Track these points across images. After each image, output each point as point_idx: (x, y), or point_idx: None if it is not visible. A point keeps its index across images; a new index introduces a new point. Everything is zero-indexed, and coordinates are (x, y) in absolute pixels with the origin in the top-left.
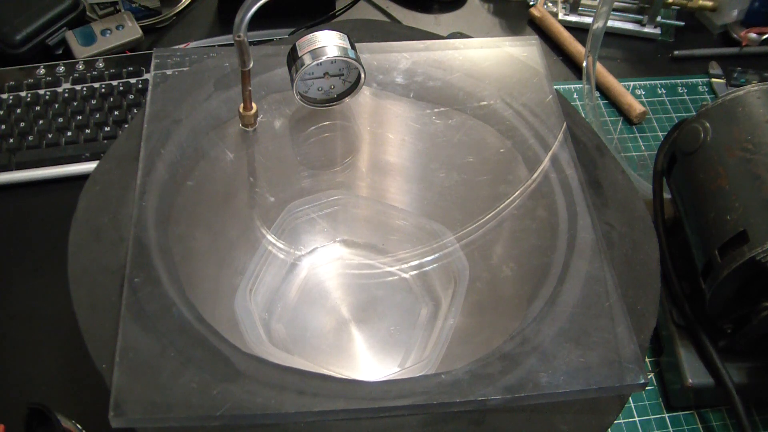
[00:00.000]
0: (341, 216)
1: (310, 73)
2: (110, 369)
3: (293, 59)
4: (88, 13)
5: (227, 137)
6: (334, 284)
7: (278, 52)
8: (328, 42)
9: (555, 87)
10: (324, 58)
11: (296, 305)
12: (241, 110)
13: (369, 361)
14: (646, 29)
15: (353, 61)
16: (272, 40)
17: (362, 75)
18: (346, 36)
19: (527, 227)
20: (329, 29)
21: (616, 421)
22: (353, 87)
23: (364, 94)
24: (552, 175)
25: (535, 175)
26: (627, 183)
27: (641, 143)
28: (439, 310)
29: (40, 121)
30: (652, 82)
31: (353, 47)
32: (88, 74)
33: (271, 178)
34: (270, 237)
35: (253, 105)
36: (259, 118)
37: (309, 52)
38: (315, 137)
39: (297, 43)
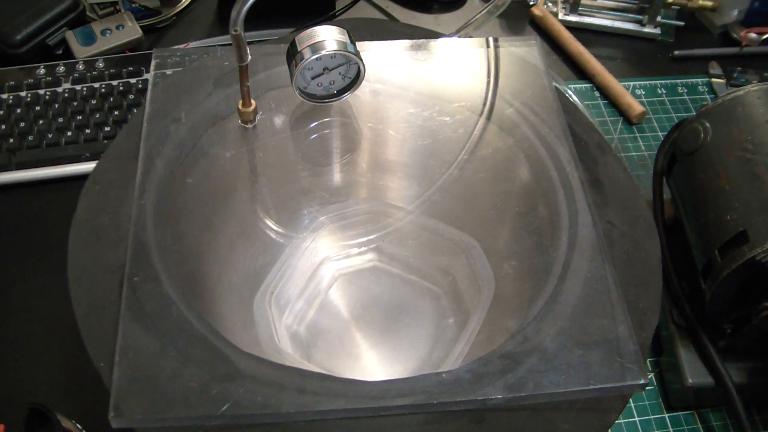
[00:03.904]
0: (372, 224)
1: (310, 68)
2: (108, 368)
3: (293, 54)
4: (88, 13)
5: (226, 135)
6: (360, 293)
7: (278, 51)
8: (328, 36)
9: (555, 86)
10: (323, 52)
11: (319, 311)
12: (240, 107)
13: (388, 374)
14: (646, 29)
15: (353, 56)
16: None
17: (362, 70)
18: (345, 31)
19: (528, 225)
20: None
21: (616, 421)
22: (353, 83)
23: (365, 92)
24: (553, 173)
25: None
26: (628, 181)
27: (641, 143)
28: (466, 322)
29: (40, 121)
30: (652, 82)
31: (353, 42)
32: (88, 74)
33: (270, 176)
34: (277, 232)
35: (252, 102)
36: (258, 115)
37: (308, 46)
38: (315, 134)
39: (296, 38)
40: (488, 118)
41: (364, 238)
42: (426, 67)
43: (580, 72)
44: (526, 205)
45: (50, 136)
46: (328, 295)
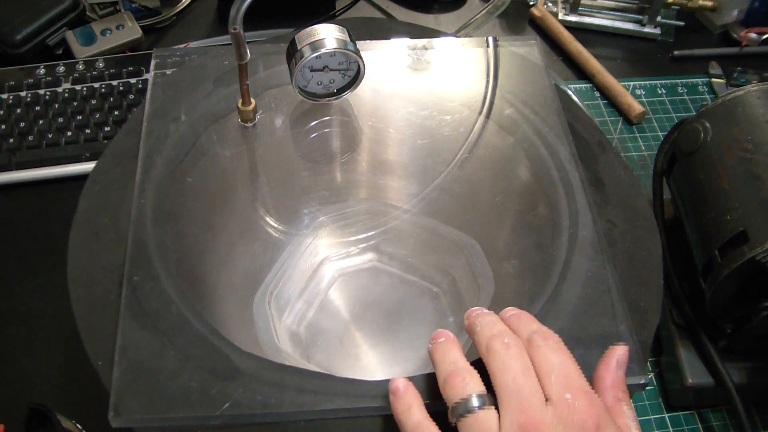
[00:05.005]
0: (372, 223)
1: (310, 67)
2: (106, 366)
3: (292, 52)
4: (88, 13)
5: (226, 134)
6: (360, 292)
7: (278, 50)
8: (328, 35)
9: (555, 85)
10: (323, 50)
11: (319, 311)
12: (239, 106)
13: (388, 374)
14: (646, 29)
15: (353, 54)
16: None
17: (362, 68)
18: (345, 30)
19: (528, 224)
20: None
21: None
22: (353, 81)
23: (364, 90)
24: (553, 172)
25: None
26: (629, 179)
27: (641, 143)
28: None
29: (40, 121)
30: (652, 82)
31: (352, 41)
32: (88, 74)
33: (270, 174)
34: (277, 231)
35: (252, 100)
36: (258, 114)
37: (308, 44)
38: (315, 133)
39: (296, 37)
40: (488, 116)
41: (363, 235)
42: (426, 65)
43: (580, 72)
44: (526, 204)
45: (50, 136)
46: (328, 295)
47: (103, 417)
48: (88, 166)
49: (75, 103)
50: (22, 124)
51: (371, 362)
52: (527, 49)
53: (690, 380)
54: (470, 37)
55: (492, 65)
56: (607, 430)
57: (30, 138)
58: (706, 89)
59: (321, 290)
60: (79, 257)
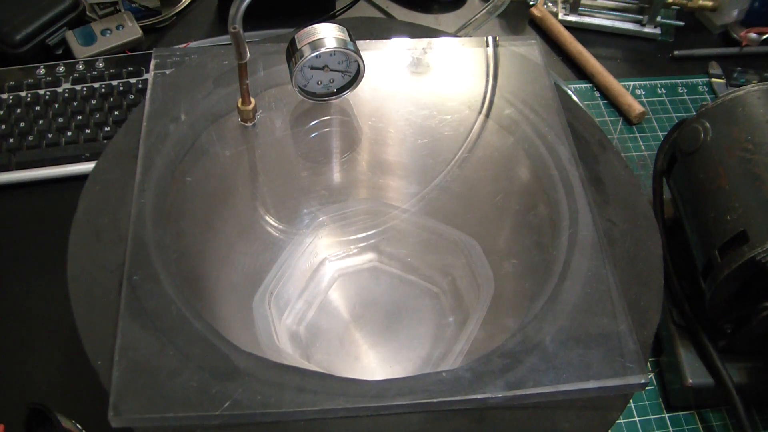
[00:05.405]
0: (372, 223)
1: (310, 66)
2: (105, 366)
3: (292, 52)
4: (88, 13)
5: (226, 133)
6: (360, 292)
7: (278, 50)
8: (327, 34)
9: (555, 84)
10: (323, 50)
11: (319, 311)
12: (239, 105)
13: (388, 374)
14: (646, 29)
15: (352, 53)
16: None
17: (362, 68)
18: (345, 29)
19: (528, 224)
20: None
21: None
22: (353, 81)
23: (364, 90)
24: (553, 172)
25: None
26: (629, 178)
27: (641, 143)
28: (466, 321)
29: (40, 121)
30: (652, 82)
31: (352, 40)
32: (88, 74)
33: (270, 174)
34: (277, 231)
35: (252, 100)
36: (258, 114)
37: (308, 44)
38: (315, 132)
39: (296, 36)
40: (488, 116)
41: (363, 235)
42: (426, 65)
43: (580, 72)
44: (526, 203)
45: (50, 136)
46: (328, 295)
47: (103, 417)
48: (88, 166)
49: (75, 103)
50: (22, 124)
51: (371, 362)
52: (527, 48)
53: (690, 380)
54: (470, 36)
55: (492, 65)
56: None
57: (30, 138)
58: (706, 89)
59: (321, 290)
60: (79, 257)
